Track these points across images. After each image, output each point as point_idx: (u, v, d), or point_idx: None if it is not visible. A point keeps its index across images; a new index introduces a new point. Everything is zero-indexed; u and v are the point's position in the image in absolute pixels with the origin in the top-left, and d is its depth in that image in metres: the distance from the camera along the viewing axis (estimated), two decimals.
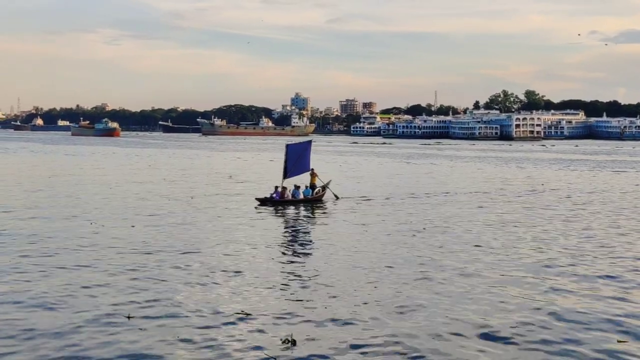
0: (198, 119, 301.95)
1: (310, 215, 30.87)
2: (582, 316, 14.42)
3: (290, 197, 34.63)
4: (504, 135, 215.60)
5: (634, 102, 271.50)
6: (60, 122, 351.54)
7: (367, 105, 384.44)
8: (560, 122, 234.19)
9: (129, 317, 13.97)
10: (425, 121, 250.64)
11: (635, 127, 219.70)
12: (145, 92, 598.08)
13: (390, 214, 30.53)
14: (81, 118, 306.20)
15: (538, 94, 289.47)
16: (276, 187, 34.84)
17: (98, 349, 12.25)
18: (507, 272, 18.48)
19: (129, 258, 19.87)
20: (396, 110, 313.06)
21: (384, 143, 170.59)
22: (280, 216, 30.41)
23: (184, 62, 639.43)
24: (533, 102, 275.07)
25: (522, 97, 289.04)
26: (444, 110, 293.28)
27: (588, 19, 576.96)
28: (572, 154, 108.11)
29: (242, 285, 16.87)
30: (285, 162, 36.02)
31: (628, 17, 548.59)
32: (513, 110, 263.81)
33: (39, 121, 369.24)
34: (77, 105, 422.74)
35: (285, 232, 26.26)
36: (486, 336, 13.05)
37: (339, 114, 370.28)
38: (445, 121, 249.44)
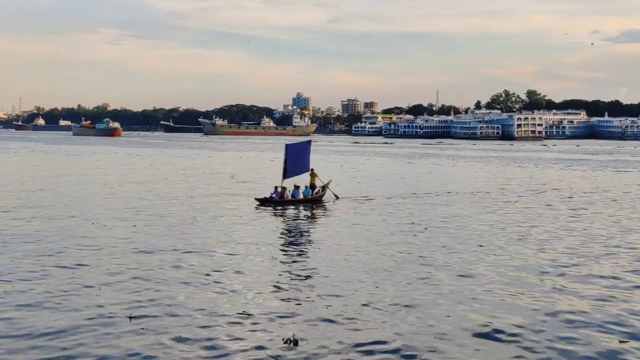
0: (199, 119, 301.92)
1: (310, 215, 30.85)
2: (583, 316, 14.41)
3: (290, 197, 34.59)
4: (506, 135, 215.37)
5: (636, 101, 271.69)
6: (62, 122, 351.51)
7: (369, 105, 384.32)
8: (561, 121, 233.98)
9: (130, 318, 13.97)
10: (426, 121, 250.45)
11: (637, 126, 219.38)
12: (146, 92, 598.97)
13: (391, 214, 30.51)
14: (83, 118, 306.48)
15: (539, 94, 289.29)
16: (276, 187, 34.80)
17: (100, 349, 12.25)
18: (509, 272, 18.46)
19: (130, 258, 19.88)
20: (397, 110, 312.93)
21: (386, 143, 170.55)
22: (280, 216, 30.38)
23: (186, 62, 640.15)
24: (534, 102, 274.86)
25: (523, 96, 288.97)
26: (445, 110, 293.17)
27: (589, 19, 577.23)
28: (574, 153, 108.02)
29: (243, 285, 16.87)
30: (285, 162, 35.97)
31: (630, 17, 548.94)
32: (514, 110, 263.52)
33: (41, 121, 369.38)
34: (79, 105, 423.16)
35: (286, 232, 26.24)
36: (487, 336, 13.04)
37: (341, 114, 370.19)
38: (446, 121, 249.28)
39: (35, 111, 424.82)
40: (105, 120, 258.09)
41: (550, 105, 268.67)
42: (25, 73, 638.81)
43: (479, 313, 14.51)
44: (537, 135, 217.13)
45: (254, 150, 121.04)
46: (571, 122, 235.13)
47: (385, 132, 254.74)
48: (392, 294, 16.03)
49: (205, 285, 16.82)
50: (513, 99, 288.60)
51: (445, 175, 57.23)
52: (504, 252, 21.32)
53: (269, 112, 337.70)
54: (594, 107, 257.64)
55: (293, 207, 33.20)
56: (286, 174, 35.95)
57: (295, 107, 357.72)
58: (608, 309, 15.00)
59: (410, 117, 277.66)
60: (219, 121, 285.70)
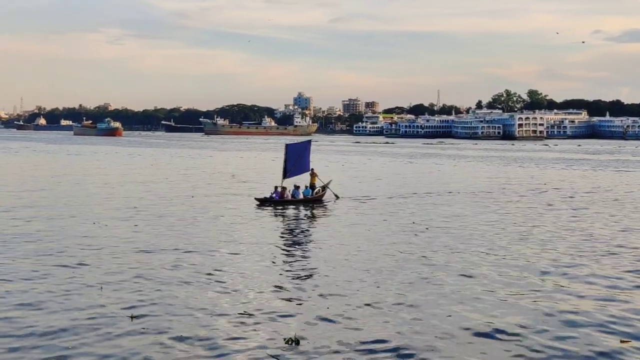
0: (201, 119, 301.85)
1: (310, 215, 30.84)
2: (584, 316, 14.41)
3: (290, 197, 34.57)
4: (507, 135, 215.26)
5: (637, 101, 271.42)
6: (63, 122, 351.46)
7: (370, 105, 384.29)
8: (563, 121, 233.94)
9: (132, 317, 13.99)
10: (427, 121, 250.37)
11: (638, 126, 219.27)
12: (148, 92, 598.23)
13: (392, 214, 30.51)
14: (84, 118, 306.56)
15: (541, 94, 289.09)
16: (276, 187, 34.77)
17: (102, 349, 12.27)
18: (510, 272, 18.47)
19: (132, 258, 19.90)
20: (399, 110, 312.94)
21: (387, 143, 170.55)
22: (280, 216, 30.36)
23: (187, 61, 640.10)
24: (536, 102, 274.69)
25: (524, 96, 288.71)
26: (446, 110, 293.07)
27: (592, 19, 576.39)
28: (575, 153, 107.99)
29: (244, 285, 16.88)
30: (285, 162, 35.94)
31: (632, 17, 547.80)
32: (516, 109, 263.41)
33: (42, 121, 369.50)
34: (80, 105, 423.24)
35: (286, 232, 26.24)
36: (488, 336, 13.04)
37: (342, 114, 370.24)
38: (447, 121, 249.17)
39: (36, 111, 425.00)
40: (106, 120, 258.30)
41: (551, 105, 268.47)
42: (26, 73, 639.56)
43: (480, 313, 14.52)
44: (539, 135, 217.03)
45: (255, 150, 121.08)
46: (572, 121, 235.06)
47: (386, 131, 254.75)
48: (393, 294, 16.04)
49: (206, 285, 16.84)
50: (514, 98, 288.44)
51: (447, 175, 57.24)
52: (505, 252, 21.32)
53: (270, 111, 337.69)
54: (596, 107, 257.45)
55: (293, 207, 33.20)
56: (286, 174, 35.92)
57: (296, 107, 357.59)
58: (609, 308, 15.00)
59: (411, 116, 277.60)
60: (220, 121, 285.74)
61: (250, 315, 14.23)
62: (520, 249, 22.00)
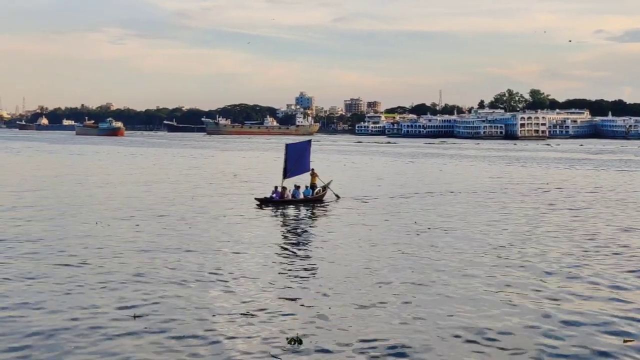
0: (203, 119, 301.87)
1: (311, 215, 30.81)
2: (587, 317, 14.40)
3: (290, 197, 34.54)
4: (509, 135, 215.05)
5: None
6: (65, 122, 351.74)
7: (372, 105, 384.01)
8: (565, 121, 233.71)
9: (135, 317, 14.01)
10: (429, 120, 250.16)
11: None
12: (150, 92, 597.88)
13: (393, 214, 30.51)
14: (86, 117, 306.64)
15: (543, 93, 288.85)
16: (276, 187, 34.72)
17: (104, 348, 12.28)
18: (512, 273, 18.46)
19: (134, 257, 19.93)
20: (401, 110, 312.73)
21: (389, 142, 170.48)
22: (281, 216, 30.36)
23: (189, 61, 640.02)
24: (538, 101, 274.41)
25: (527, 96, 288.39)
26: (448, 110, 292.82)
27: (594, 18, 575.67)
28: (577, 153, 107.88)
29: (246, 285, 16.90)
30: (285, 162, 35.89)
31: (634, 17, 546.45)
32: (518, 109, 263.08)
33: (44, 121, 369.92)
34: (82, 105, 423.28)
35: (287, 232, 26.24)
36: (490, 338, 13.03)
37: (344, 113, 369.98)
38: (450, 120, 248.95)
39: (38, 111, 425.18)
40: (108, 119, 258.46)
41: (553, 105, 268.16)
42: (28, 73, 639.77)
43: (482, 313, 14.52)
44: (541, 134, 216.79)
45: (257, 149, 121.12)
46: (575, 121, 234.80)
47: (388, 131, 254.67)
48: (395, 294, 16.04)
49: (208, 284, 16.85)
50: (516, 98, 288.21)
51: (448, 175, 57.20)
52: (507, 252, 21.31)
53: (272, 111, 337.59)
54: (598, 107, 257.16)
55: (293, 207, 33.17)
56: (286, 174, 35.87)
57: (298, 107, 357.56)
58: (612, 308, 15.00)
59: (413, 116, 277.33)
60: (222, 121, 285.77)
61: (253, 315, 14.24)
62: (522, 249, 21.98)
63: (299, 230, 26.62)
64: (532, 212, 31.68)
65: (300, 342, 12.55)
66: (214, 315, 14.23)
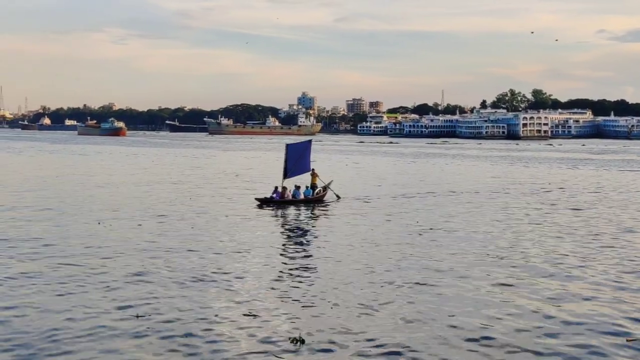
0: (205, 119, 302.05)
1: (312, 215, 30.77)
2: (590, 316, 14.39)
3: (290, 197, 34.50)
4: (511, 135, 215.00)
5: None
6: (68, 122, 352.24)
7: (374, 105, 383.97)
8: (567, 121, 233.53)
9: (137, 317, 14.03)
10: (432, 120, 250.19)
11: None
12: (151, 92, 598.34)
13: (395, 214, 30.49)
14: (88, 117, 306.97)
15: (545, 93, 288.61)
16: (276, 187, 34.68)
17: (106, 348, 12.30)
18: (513, 273, 18.45)
19: (136, 257, 19.95)
20: (403, 110, 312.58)
21: (391, 142, 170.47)
22: (282, 217, 30.31)
23: (191, 61, 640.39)
24: (540, 101, 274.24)
25: (529, 96, 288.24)
26: (450, 110, 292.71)
27: (596, 18, 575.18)
28: (579, 153, 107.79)
29: (247, 285, 16.91)
30: (286, 162, 35.85)
31: (636, 16, 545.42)
32: (520, 109, 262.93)
33: (47, 120, 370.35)
34: (85, 105, 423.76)
35: (288, 232, 26.22)
36: (491, 339, 13.01)
37: (346, 113, 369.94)
38: (452, 120, 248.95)
39: (41, 111, 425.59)
40: (110, 119, 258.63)
41: (556, 105, 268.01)
42: (31, 73, 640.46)
43: (483, 314, 14.51)
44: (543, 134, 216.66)
45: (259, 149, 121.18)
46: (577, 121, 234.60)
47: (390, 131, 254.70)
48: (397, 295, 16.05)
49: (210, 285, 16.87)
50: (519, 98, 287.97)
51: (450, 175, 57.18)
52: (509, 253, 21.30)
53: (274, 111, 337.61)
54: (600, 107, 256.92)
55: (294, 207, 33.14)
56: (287, 174, 35.83)
57: (300, 107, 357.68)
58: (615, 308, 14.98)
59: (415, 116, 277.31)
60: (224, 121, 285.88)
61: (255, 315, 14.25)
62: (524, 249, 21.97)
63: (299, 231, 26.62)
64: (534, 212, 31.65)
65: (302, 342, 12.56)
66: (216, 315, 14.24)
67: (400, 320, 14.04)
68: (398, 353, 12.18)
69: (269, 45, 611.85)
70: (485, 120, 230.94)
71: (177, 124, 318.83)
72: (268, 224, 27.95)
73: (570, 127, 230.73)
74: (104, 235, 23.82)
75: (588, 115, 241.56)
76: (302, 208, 32.86)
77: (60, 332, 13.13)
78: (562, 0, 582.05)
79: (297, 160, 36.12)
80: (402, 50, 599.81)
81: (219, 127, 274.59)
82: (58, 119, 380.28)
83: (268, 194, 35.09)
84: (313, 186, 35.92)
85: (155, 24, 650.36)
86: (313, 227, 27.60)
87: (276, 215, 30.53)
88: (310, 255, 21.01)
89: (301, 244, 23.50)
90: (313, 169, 36.78)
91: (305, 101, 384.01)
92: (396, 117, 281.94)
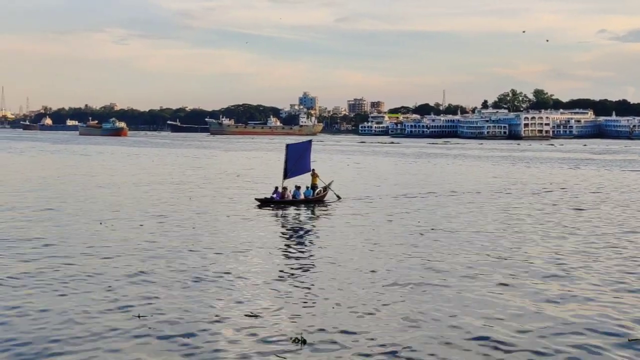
0: (206, 119, 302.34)
1: (312, 216, 30.75)
2: (591, 316, 14.39)
3: (290, 197, 34.48)
4: (513, 135, 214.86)
5: None
6: (69, 122, 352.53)
7: (375, 105, 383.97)
8: (569, 121, 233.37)
9: (139, 317, 14.04)
10: (433, 120, 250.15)
11: None
12: (153, 92, 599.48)
13: (396, 214, 30.47)
14: (90, 118, 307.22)
15: (547, 93, 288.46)
16: (276, 188, 34.64)
17: (108, 348, 12.32)
18: (515, 274, 18.44)
19: (137, 258, 19.97)
20: (404, 110, 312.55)
21: (392, 142, 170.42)
22: (282, 217, 30.27)
23: (192, 61, 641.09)
24: (542, 101, 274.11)
25: (530, 96, 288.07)
26: (452, 110, 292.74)
27: (597, 18, 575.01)
28: (581, 153, 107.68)
29: (248, 286, 16.92)
30: (286, 162, 35.81)
31: (637, 16, 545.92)
32: (522, 109, 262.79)
33: (48, 121, 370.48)
34: (86, 105, 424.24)
35: (289, 233, 26.19)
36: (493, 339, 13.01)
37: (347, 114, 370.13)
38: (453, 120, 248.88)
39: (42, 111, 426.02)
40: (111, 120, 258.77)
41: (557, 105, 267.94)
42: (32, 73, 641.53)
43: (485, 315, 14.51)
44: (545, 134, 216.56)
45: (260, 150, 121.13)
46: (578, 121, 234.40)
47: (392, 131, 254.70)
48: (398, 296, 16.05)
49: (211, 285, 16.88)
50: (520, 98, 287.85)
51: (452, 175, 57.15)
52: (510, 253, 21.30)
53: (275, 111, 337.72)
54: (602, 107, 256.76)
55: (294, 207, 33.11)
56: (287, 174, 35.79)
57: (302, 107, 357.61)
58: (617, 308, 14.98)
59: (417, 116, 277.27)
60: (225, 121, 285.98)
61: (256, 315, 14.26)
62: (526, 250, 21.96)
63: (300, 231, 26.62)
64: (535, 212, 31.63)
65: (304, 342, 12.58)
66: (217, 315, 14.25)
67: (402, 320, 14.05)
68: (399, 353, 12.18)
69: (270, 45, 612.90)
70: (487, 121, 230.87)
71: (178, 124, 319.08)
72: (268, 224, 27.94)
73: (571, 127, 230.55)
74: (106, 236, 23.84)
75: (589, 116, 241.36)
76: (303, 208, 32.83)
77: (62, 332, 13.15)
78: (563, 0, 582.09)
79: (297, 160, 36.06)
80: (403, 50, 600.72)
81: (220, 127, 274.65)
82: (59, 119, 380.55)
83: (269, 194, 35.06)
84: (313, 186, 35.88)
85: (156, 24, 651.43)
86: (314, 227, 27.58)
87: (276, 216, 30.50)
88: (311, 256, 21.01)
89: (302, 244, 23.50)
90: (313, 169, 36.74)
91: (307, 101, 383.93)
92: (397, 117, 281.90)
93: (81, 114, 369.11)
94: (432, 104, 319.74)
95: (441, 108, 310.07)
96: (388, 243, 22.95)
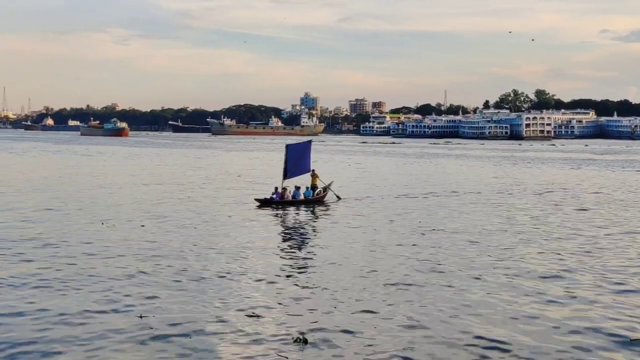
0: (208, 119, 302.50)
1: (312, 216, 30.72)
2: (593, 316, 14.38)
3: (290, 198, 34.46)
4: (514, 135, 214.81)
5: None
6: (71, 122, 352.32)
7: (377, 105, 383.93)
8: (570, 121, 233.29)
9: (141, 317, 14.05)
10: (434, 121, 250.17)
11: None
12: (154, 92, 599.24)
13: (397, 214, 30.46)
14: (91, 118, 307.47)
15: (548, 93, 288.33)
16: (276, 188, 34.61)
17: (110, 347, 12.32)
18: (516, 275, 18.41)
19: (139, 258, 19.98)
20: (406, 110, 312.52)
21: (393, 143, 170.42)
22: (282, 217, 30.21)
23: (194, 61, 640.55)
24: (543, 102, 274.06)
25: (532, 96, 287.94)
26: (453, 110, 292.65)
27: (599, 18, 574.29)
28: (582, 153, 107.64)
29: (249, 286, 16.92)
30: (285, 162, 35.78)
31: (639, 16, 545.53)
32: (523, 109, 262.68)
33: (50, 121, 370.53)
34: (88, 105, 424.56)
35: (289, 233, 26.18)
36: (494, 340, 13.00)
37: (349, 114, 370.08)
38: (455, 121, 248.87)
39: (44, 111, 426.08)
40: (112, 120, 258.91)
41: (559, 105, 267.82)
42: (34, 73, 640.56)
43: (485, 316, 14.51)
44: (546, 135, 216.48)
45: (262, 150, 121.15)
46: (580, 121, 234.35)
47: (393, 131, 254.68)
48: (399, 296, 16.05)
49: (212, 285, 16.88)
50: (522, 98, 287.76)
51: (453, 175, 57.13)
52: (511, 254, 21.27)
53: (277, 112, 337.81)
54: (603, 107, 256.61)
55: (294, 208, 33.09)
56: (287, 174, 35.77)
57: (303, 107, 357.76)
58: (618, 309, 14.96)
59: (418, 116, 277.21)
60: (227, 121, 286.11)
61: (257, 315, 14.26)
62: (527, 251, 21.95)
63: (301, 231, 26.62)
64: (537, 212, 31.62)
65: (305, 341, 12.58)
66: (218, 316, 14.26)
67: (403, 320, 14.04)
68: (400, 353, 12.18)
69: (272, 45, 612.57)
70: (488, 121, 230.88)
71: (180, 124, 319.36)
72: (269, 224, 27.93)
73: (573, 127, 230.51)
74: (107, 236, 23.86)
75: (591, 116, 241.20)
76: (302, 209, 32.82)
77: (63, 332, 13.16)
78: (565, 0, 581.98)
79: (297, 160, 36.02)
80: (405, 50, 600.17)
81: (221, 127, 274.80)
82: (61, 119, 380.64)
83: (269, 194, 35.05)
84: (313, 187, 35.84)
85: (157, 24, 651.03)
86: (315, 227, 27.59)
87: (276, 216, 30.47)
88: (312, 256, 21.01)
89: (303, 244, 23.50)
90: (313, 170, 36.70)
91: (308, 101, 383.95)
92: (399, 118, 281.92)
93: (83, 115, 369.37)
94: (433, 104, 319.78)
95: (443, 108, 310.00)
96: (389, 243, 22.94)
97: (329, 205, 33.89)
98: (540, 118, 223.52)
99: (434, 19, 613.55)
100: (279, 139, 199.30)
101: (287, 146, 36.45)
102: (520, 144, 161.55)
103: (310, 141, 38.36)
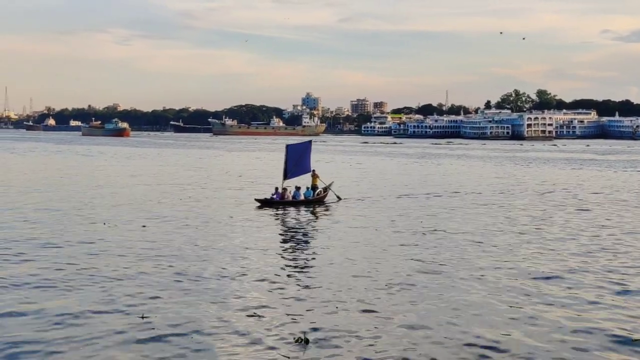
0: (209, 119, 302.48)
1: (313, 216, 30.70)
2: (594, 316, 14.37)
3: (290, 198, 34.44)
4: (516, 135, 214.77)
5: None
6: (72, 123, 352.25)
7: (378, 105, 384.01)
8: (572, 121, 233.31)
9: (143, 317, 14.05)
10: (436, 121, 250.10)
11: None
12: (156, 92, 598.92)
13: (399, 215, 30.44)
14: (93, 118, 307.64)
15: (550, 94, 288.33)
16: (276, 188, 34.58)
17: (112, 348, 12.32)
18: (518, 275, 18.41)
19: (140, 258, 19.99)
20: (407, 110, 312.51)
21: (395, 143, 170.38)
22: (282, 218, 30.20)
23: (195, 62, 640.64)
24: (545, 102, 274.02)
25: (533, 96, 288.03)
26: (455, 110, 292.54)
27: (600, 18, 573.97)
28: (584, 153, 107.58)
29: (250, 286, 16.91)
30: (286, 162, 35.76)
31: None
32: (525, 109, 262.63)
33: (51, 121, 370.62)
34: (89, 106, 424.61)
35: (291, 233, 26.15)
36: (495, 341, 12.99)
37: (350, 114, 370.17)
38: (456, 121, 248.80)
39: (45, 111, 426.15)
40: (114, 120, 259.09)
41: (560, 105, 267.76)
42: (35, 73, 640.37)
43: (486, 317, 14.50)
44: (547, 135, 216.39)
45: (263, 150, 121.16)
46: (581, 121, 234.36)
47: (394, 132, 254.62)
48: (399, 297, 16.04)
49: (213, 285, 16.88)
50: (523, 98, 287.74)
51: (454, 176, 57.10)
52: (512, 255, 21.25)
53: (278, 112, 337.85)
54: (605, 107, 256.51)
55: (294, 208, 33.07)
56: (287, 174, 35.73)
57: (304, 107, 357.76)
58: (619, 309, 14.95)
59: (419, 117, 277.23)
60: (228, 121, 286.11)
61: (259, 315, 14.26)
62: (528, 252, 21.92)
63: (302, 232, 26.60)
64: (538, 213, 31.59)
65: (306, 341, 12.58)
66: (219, 316, 14.25)
67: (404, 320, 14.03)
68: (401, 354, 12.17)
69: (273, 45, 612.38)
70: (490, 121, 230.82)
71: (181, 124, 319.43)
72: (269, 224, 27.92)
73: (574, 127, 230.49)
74: (108, 236, 23.86)
75: (592, 116, 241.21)
76: (303, 209, 32.81)
77: (64, 332, 13.16)
78: (565, 0, 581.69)
79: (297, 161, 35.99)
80: (406, 51, 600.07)
81: (223, 127, 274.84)
82: (63, 119, 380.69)
83: (269, 194, 35.01)
84: (314, 187, 35.79)
85: (158, 25, 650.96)
86: (315, 228, 27.57)
87: (277, 217, 30.45)
88: (313, 256, 21.00)
89: (303, 244, 23.50)
90: (314, 170, 36.67)
91: (310, 102, 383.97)
92: (400, 118, 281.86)
93: (84, 115, 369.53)
94: (435, 104, 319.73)
95: (444, 108, 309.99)
96: (390, 243, 22.93)
97: (329, 206, 33.87)
98: (542, 118, 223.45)
99: (434, 19, 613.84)
100: (281, 139, 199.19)
101: (287, 146, 36.42)
102: (521, 144, 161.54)
103: (310, 141, 38.33)
